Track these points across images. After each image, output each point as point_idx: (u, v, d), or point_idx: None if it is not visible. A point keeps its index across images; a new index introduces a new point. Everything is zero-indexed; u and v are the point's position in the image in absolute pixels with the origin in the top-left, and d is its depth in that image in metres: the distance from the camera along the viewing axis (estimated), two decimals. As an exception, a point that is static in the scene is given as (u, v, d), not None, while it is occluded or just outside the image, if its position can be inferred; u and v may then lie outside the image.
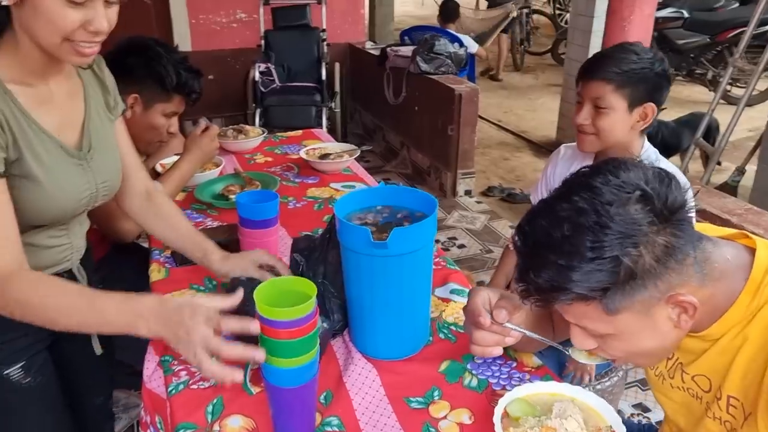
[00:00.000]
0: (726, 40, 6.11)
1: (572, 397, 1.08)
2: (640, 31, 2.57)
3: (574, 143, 1.83)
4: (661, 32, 6.27)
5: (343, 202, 1.27)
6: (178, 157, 1.94)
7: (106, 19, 1.04)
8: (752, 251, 0.90)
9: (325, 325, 1.22)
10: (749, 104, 5.18)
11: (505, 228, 3.82)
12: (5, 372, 1.22)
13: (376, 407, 1.15)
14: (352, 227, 1.15)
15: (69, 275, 1.32)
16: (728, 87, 6.17)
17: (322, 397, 1.17)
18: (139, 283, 1.59)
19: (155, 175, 1.94)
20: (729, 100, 5.10)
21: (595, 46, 4.77)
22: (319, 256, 1.34)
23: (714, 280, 0.86)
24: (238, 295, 1.02)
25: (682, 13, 6.44)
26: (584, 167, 0.88)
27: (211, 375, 0.98)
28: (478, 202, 4.19)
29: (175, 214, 1.47)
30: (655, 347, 0.90)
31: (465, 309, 1.11)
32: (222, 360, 0.98)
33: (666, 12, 6.31)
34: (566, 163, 1.77)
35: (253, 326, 0.95)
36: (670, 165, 1.59)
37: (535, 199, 1.85)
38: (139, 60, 1.80)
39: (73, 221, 1.29)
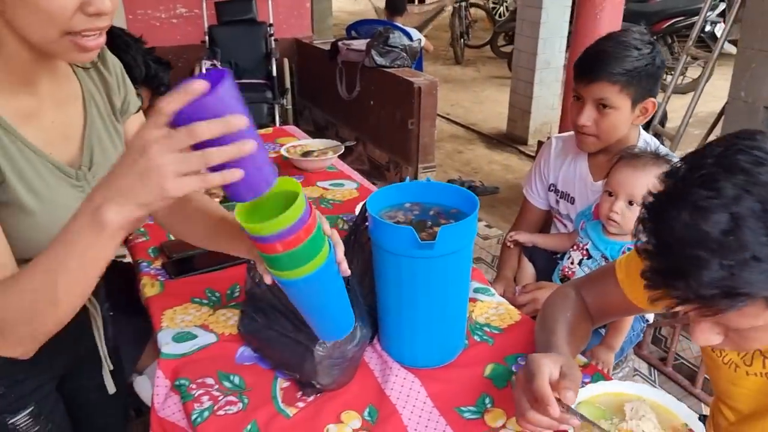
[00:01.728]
0: (662, 30, 6.31)
1: (639, 396, 1.03)
2: (611, 18, 2.58)
3: (565, 134, 1.79)
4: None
5: (373, 201, 1.17)
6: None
7: None
8: None
9: (364, 331, 1.12)
10: (682, 92, 5.37)
11: (471, 221, 3.79)
12: (11, 421, 1.04)
13: (428, 421, 1.06)
14: (395, 227, 1.06)
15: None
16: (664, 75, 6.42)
17: (366, 412, 1.08)
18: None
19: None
20: (664, 88, 5.25)
21: (544, 37, 4.82)
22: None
23: None
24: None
25: None
26: (710, 144, 0.76)
27: (220, 182, 0.70)
28: (441, 196, 4.14)
29: (209, 208, 1.13)
30: None
31: (519, 378, 0.97)
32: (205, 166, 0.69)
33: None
34: (558, 155, 1.72)
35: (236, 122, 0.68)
36: (664, 148, 1.57)
37: (529, 194, 1.80)
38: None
39: None
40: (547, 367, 0.93)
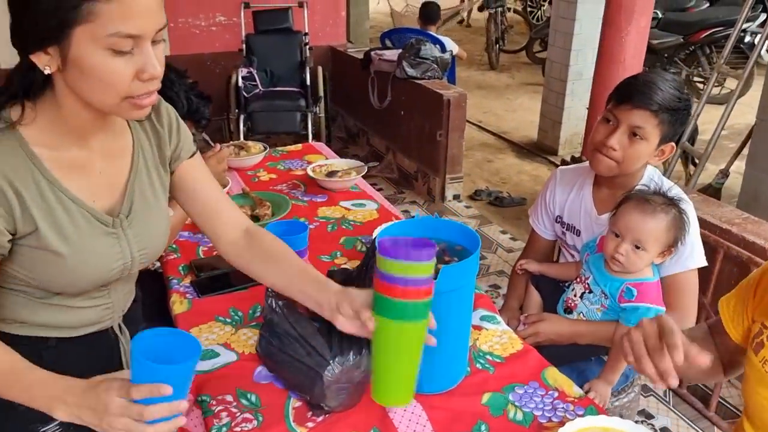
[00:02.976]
0: (699, 40, 6.23)
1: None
2: (636, 42, 2.60)
3: (570, 166, 1.84)
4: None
5: (383, 236, 1.25)
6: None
7: (157, 61, 0.95)
8: None
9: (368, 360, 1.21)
10: (719, 102, 5.31)
11: (496, 233, 3.85)
12: (42, 430, 1.16)
13: (427, 445, 1.14)
14: (399, 265, 1.14)
15: (110, 334, 1.25)
16: (700, 85, 6.34)
17: (369, 434, 1.16)
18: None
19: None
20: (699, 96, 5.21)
21: (577, 49, 4.83)
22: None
23: None
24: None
25: (656, 13, 6.54)
26: None
27: None
28: (467, 207, 4.20)
29: (280, 251, 1.24)
30: None
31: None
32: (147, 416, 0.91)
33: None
34: (564, 188, 1.77)
35: (165, 389, 0.89)
36: (667, 182, 1.61)
37: (536, 225, 1.86)
38: None
39: (114, 282, 1.18)
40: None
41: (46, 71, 0.93)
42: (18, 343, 1.06)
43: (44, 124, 1.00)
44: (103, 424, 0.91)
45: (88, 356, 1.19)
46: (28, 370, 0.99)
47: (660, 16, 6.57)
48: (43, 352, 1.14)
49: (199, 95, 1.83)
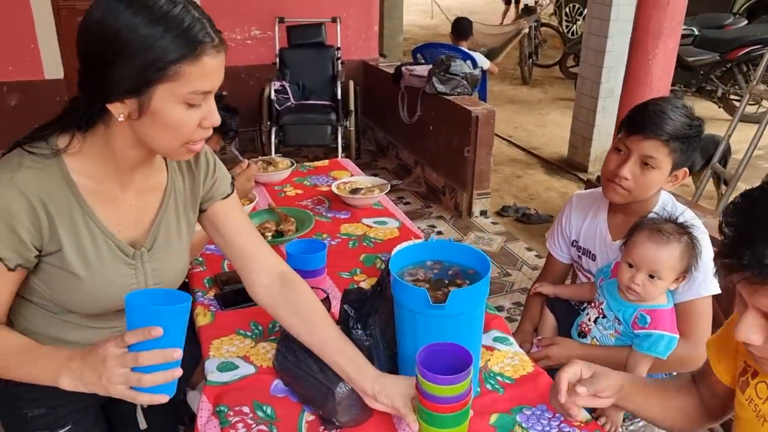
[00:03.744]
0: (736, 58, 6.16)
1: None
2: (664, 64, 2.60)
3: (586, 191, 1.85)
4: (671, 49, 6.30)
5: (396, 259, 1.30)
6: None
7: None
8: None
9: None
10: (755, 121, 5.22)
11: (522, 250, 3.85)
12: None
13: (433, 464, 1.17)
14: (410, 288, 1.18)
15: None
16: (736, 103, 6.25)
17: (378, 451, 1.20)
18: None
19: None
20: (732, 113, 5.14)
21: (609, 66, 4.81)
22: (370, 308, 1.37)
23: None
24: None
25: (692, 30, 6.48)
26: None
27: (147, 402, 0.98)
28: (494, 223, 4.22)
29: (315, 310, 1.27)
30: None
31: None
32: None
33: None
34: (580, 213, 1.79)
35: (156, 331, 0.93)
36: (680, 207, 1.61)
37: (552, 248, 1.88)
38: None
39: None
40: (579, 366, 1.19)
41: (120, 119, 1.00)
42: None
43: (89, 156, 1.07)
44: (102, 379, 0.95)
45: None
46: (35, 347, 1.07)
47: (696, 33, 6.51)
48: None
49: (225, 108, 1.89)
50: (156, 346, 0.94)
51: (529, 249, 3.86)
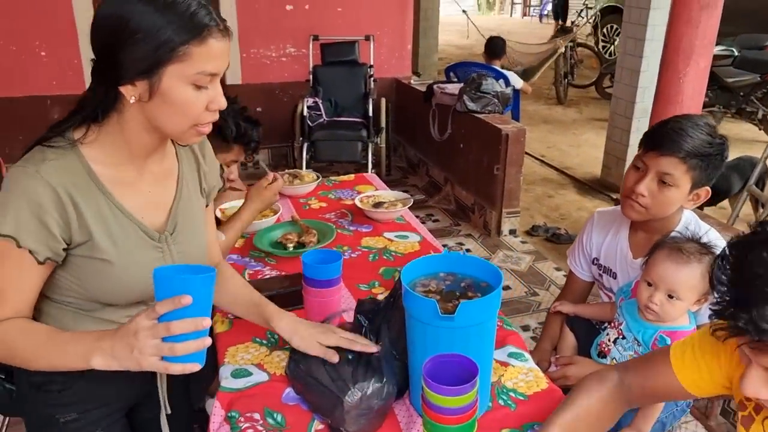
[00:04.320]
0: (777, 79, 6.02)
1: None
2: (695, 84, 2.56)
3: (607, 209, 1.83)
4: (710, 70, 6.20)
5: (410, 269, 1.30)
6: (236, 203, 2.02)
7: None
8: None
9: (391, 387, 1.25)
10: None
11: (550, 270, 3.81)
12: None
13: (439, 477, 1.16)
14: (420, 299, 1.18)
15: None
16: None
17: (385, 462, 1.20)
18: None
19: (215, 222, 2.01)
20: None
21: (643, 86, 4.76)
22: (383, 319, 1.37)
23: None
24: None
25: (732, 51, 6.37)
26: None
27: (180, 372, 1.00)
28: (523, 242, 4.18)
29: (240, 286, 1.46)
30: None
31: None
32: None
33: (716, 50, 6.23)
34: (601, 230, 1.77)
35: (185, 299, 0.95)
36: (704, 226, 1.57)
37: (573, 266, 1.86)
38: None
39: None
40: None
41: (131, 101, 1.06)
42: None
43: (105, 144, 1.12)
44: (135, 352, 0.97)
45: (128, 372, 1.28)
46: (61, 334, 1.10)
47: (736, 54, 6.40)
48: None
49: (247, 119, 1.93)
50: (185, 316, 0.96)
51: (557, 269, 3.81)
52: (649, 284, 1.45)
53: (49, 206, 1.05)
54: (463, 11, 7.64)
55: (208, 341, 0.99)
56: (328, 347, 1.29)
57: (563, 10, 11.33)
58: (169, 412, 1.35)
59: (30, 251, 1.06)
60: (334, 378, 1.25)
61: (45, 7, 4.53)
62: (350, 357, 1.28)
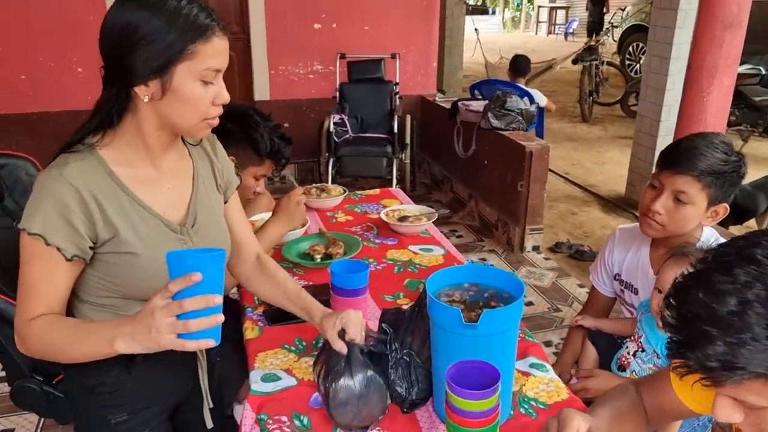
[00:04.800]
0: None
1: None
2: (719, 103, 2.58)
3: (629, 225, 1.86)
4: (737, 88, 6.17)
5: (434, 279, 1.35)
6: (265, 215, 2.09)
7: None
8: None
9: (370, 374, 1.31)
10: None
11: (573, 286, 3.81)
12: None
13: (461, 481, 1.20)
14: (444, 307, 1.23)
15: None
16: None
17: (408, 466, 1.24)
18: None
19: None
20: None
21: (668, 104, 4.76)
22: (408, 327, 1.42)
23: None
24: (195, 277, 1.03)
25: (759, 69, 6.34)
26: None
27: (195, 348, 1.05)
28: (546, 259, 4.19)
29: (284, 279, 1.53)
30: None
31: (550, 424, 1.15)
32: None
33: (743, 68, 6.21)
34: (623, 246, 1.79)
35: (195, 276, 1.01)
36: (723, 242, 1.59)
37: (596, 281, 1.88)
38: (238, 126, 1.97)
39: None
40: (577, 420, 1.10)
41: (145, 100, 1.14)
42: (110, 360, 1.23)
43: (122, 145, 1.20)
44: (153, 332, 1.02)
45: (171, 370, 1.36)
46: (85, 324, 1.18)
47: (763, 72, 6.36)
48: (133, 368, 1.31)
49: (281, 136, 2.00)
50: (197, 293, 1.01)
51: (580, 286, 3.82)
52: (659, 291, 1.49)
53: (74, 206, 1.13)
54: (475, 29, 7.71)
55: (221, 318, 1.05)
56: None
57: (600, 26, 11.35)
58: (212, 405, 1.42)
59: (58, 248, 1.13)
60: (329, 371, 1.32)
61: (81, 27, 4.70)
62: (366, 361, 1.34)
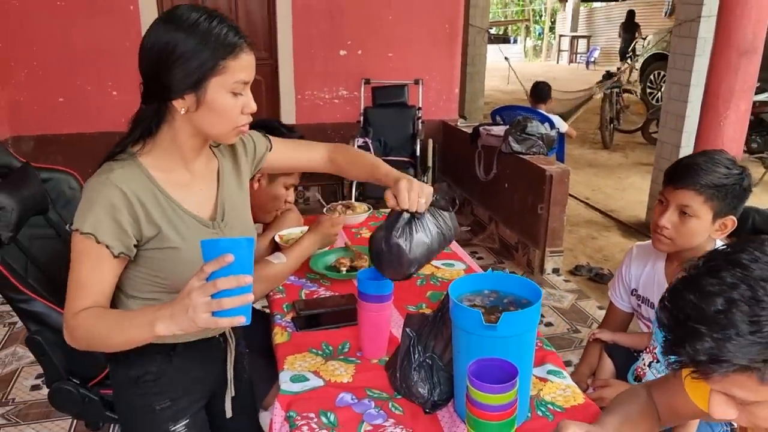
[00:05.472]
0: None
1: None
2: (736, 128, 2.64)
3: (646, 242, 1.92)
4: (757, 116, 6.21)
5: (456, 285, 1.43)
6: (294, 230, 2.20)
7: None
8: None
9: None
10: None
11: (593, 308, 3.85)
12: (173, 428, 1.44)
13: (480, 476, 1.26)
14: (465, 309, 1.30)
15: (219, 339, 1.52)
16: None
17: (430, 461, 1.30)
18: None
19: (275, 246, 2.19)
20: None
21: (689, 131, 4.81)
22: (431, 332, 1.49)
23: None
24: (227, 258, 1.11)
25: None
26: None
27: (228, 325, 1.13)
28: (566, 281, 4.23)
29: (363, 154, 1.75)
30: None
31: None
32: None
33: (763, 96, 6.25)
34: (639, 262, 1.86)
35: (228, 257, 1.09)
36: None
37: (613, 297, 1.94)
38: None
39: None
40: (572, 430, 1.16)
41: (182, 112, 1.26)
42: (153, 350, 1.33)
43: (159, 153, 1.32)
44: (189, 311, 1.09)
45: (205, 358, 1.47)
46: (125, 312, 1.28)
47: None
48: (174, 357, 1.42)
49: None
50: (229, 273, 1.10)
51: (600, 307, 3.85)
52: None
53: (121, 206, 1.24)
54: (505, 58, 7.82)
55: (251, 297, 1.13)
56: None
57: (633, 51, 11.41)
58: (233, 394, 1.53)
59: (107, 246, 1.24)
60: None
61: (118, 52, 4.91)
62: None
